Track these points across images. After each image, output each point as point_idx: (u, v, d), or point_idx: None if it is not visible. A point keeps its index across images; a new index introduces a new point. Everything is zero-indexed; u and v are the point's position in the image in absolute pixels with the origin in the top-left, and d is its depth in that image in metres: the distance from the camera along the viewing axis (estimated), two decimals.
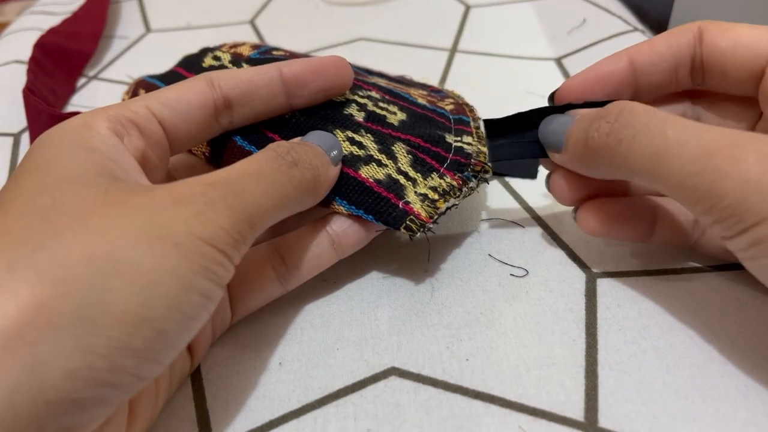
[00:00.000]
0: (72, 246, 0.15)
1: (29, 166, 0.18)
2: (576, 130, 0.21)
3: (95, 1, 0.50)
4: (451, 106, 0.29)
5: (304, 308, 0.24)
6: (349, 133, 0.24)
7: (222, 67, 0.28)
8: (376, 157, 0.24)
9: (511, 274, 0.25)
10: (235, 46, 0.31)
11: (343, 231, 0.23)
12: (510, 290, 0.24)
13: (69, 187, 0.16)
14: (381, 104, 0.26)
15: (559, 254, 0.26)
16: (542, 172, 0.26)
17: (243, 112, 0.23)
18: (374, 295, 0.24)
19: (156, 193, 0.17)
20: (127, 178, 0.18)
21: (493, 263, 0.25)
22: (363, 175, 0.23)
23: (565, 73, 0.39)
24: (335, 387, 0.21)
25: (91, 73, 0.44)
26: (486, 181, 0.25)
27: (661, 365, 0.21)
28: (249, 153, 0.24)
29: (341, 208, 0.23)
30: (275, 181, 0.19)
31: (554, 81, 0.38)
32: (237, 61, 0.28)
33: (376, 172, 0.23)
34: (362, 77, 0.29)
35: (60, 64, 0.42)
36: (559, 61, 0.40)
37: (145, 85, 0.30)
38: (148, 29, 0.50)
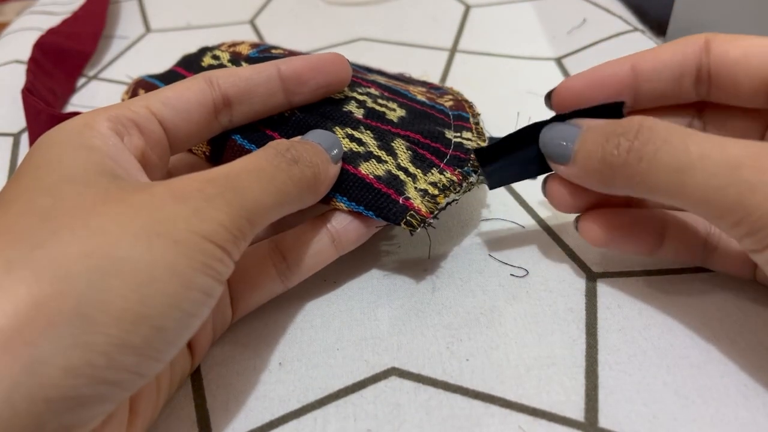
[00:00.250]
0: (70, 245, 0.15)
1: (30, 166, 0.18)
2: (588, 144, 0.20)
3: (95, 1, 0.50)
4: (450, 103, 0.29)
5: (304, 308, 0.24)
6: (349, 130, 0.24)
7: (221, 66, 0.28)
8: (375, 153, 0.24)
9: (511, 274, 0.25)
10: (234, 45, 0.31)
11: (343, 228, 0.23)
12: (510, 290, 0.24)
13: (69, 187, 0.16)
14: (380, 101, 0.26)
15: (560, 254, 0.25)
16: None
17: (242, 110, 0.23)
18: (374, 295, 0.24)
19: (155, 190, 0.17)
20: (128, 177, 0.18)
21: (493, 263, 0.25)
22: (363, 172, 0.23)
23: (566, 73, 0.39)
24: (335, 387, 0.21)
25: (91, 73, 0.44)
26: (486, 179, 0.25)
27: (661, 365, 0.21)
28: (249, 151, 0.24)
29: (341, 204, 0.23)
30: (275, 178, 0.19)
31: (554, 81, 0.37)
32: (236, 60, 0.28)
33: (376, 169, 0.23)
34: (361, 74, 0.29)
35: (60, 64, 0.42)
36: (559, 61, 0.40)
37: (144, 85, 0.30)
38: (148, 29, 0.50)
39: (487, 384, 0.20)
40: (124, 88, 0.34)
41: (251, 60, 0.28)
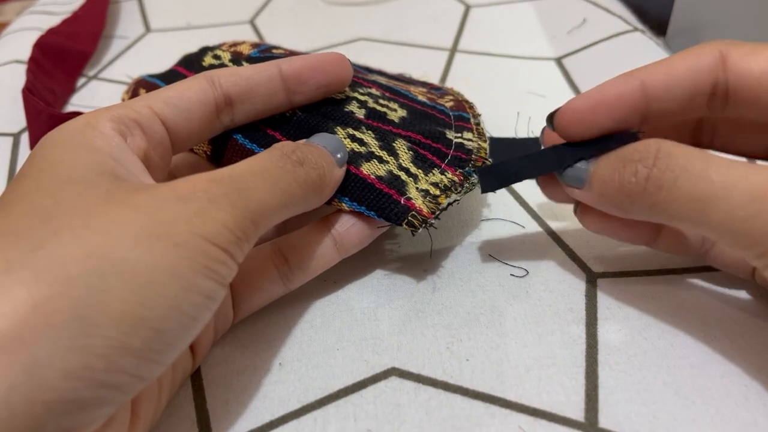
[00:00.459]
0: (70, 246, 0.15)
1: (32, 167, 0.18)
2: (604, 169, 0.20)
3: (95, 1, 0.50)
4: (450, 103, 0.29)
5: (304, 308, 0.24)
6: (350, 130, 0.24)
7: (222, 65, 0.28)
8: (377, 153, 0.24)
9: (512, 274, 0.25)
10: (235, 45, 0.31)
11: (345, 230, 0.23)
12: (510, 290, 0.24)
13: (70, 188, 0.16)
14: (381, 101, 0.26)
15: (560, 254, 0.26)
16: None
17: (243, 109, 0.23)
18: (374, 295, 0.24)
19: (157, 191, 0.17)
20: (130, 178, 0.18)
21: (493, 263, 0.25)
22: (364, 172, 0.23)
23: (565, 73, 0.39)
24: (335, 387, 0.21)
25: (91, 73, 0.44)
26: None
27: (661, 365, 0.21)
28: (250, 151, 0.24)
29: (343, 204, 0.23)
30: (280, 180, 0.19)
31: (554, 81, 0.38)
32: (237, 59, 0.28)
33: (377, 169, 0.23)
34: (362, 75, 0.29)
35: (59, 64, 0.42)
36: (559, 61, 0.40)
37: (145, 85, 0.30)
38: (148, 29, 0.50)
39: (487, 384, 0.20)
40: (124, 88, 0.34)
41: (252, 60, 0.28)
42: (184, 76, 0.24)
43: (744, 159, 0.22)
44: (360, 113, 0.25)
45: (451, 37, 0.45)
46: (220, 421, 0.20)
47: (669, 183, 0.18)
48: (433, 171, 0.24)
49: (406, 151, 0.24)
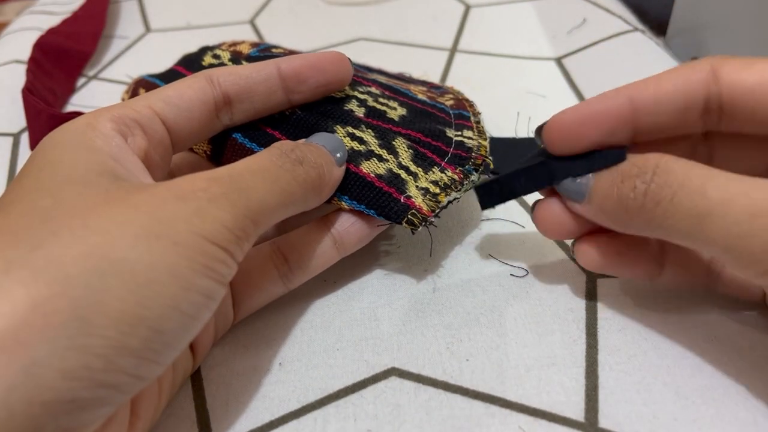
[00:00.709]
0: (69, 245, 0.15)
1: (32, 167, 0.18)
2: (604, 184, 0.19)
3: (95, 1, 0.50)
4: (451, 102, 0.29)
5: (304, 308, 0.24)
6: (350, 129, 0.24)
7: (221, 65, 0.28)
8: (377, 152, 0.24)
9: (512, 274, 0.25)
10: (235, 44, 0.31)
11: (345, 229, 0.23)
12: (510, 290, 0.24)
13: (70, 188, 0.16)
14: (381, 100, 0.26)
15: (560, 254, 0.25)
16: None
17: (243, 108, 0.23)
18: (374, 295, 0.24)
19: (157, 190, 0.17)
20: (130, 178, 0.18)
21: (493, 263, 0.25)
22: (364, 170, 0.23)
23: (565, 73, 0.39)
24: (335, 387, 0.21)
25: (91, 73, 0.44)
26: (488, 174, 0.25)
27: (661, 365, 0.21)
28: (250, 150, 0.24)
29: (342, 203, 0.23)
30: (280, 179, 0.19)
31: (554, 81, 0.38)
32: (236, 59, 0.28)
33: (377, 167, 0.23)
34: (362, 74, 0.29)
35: (59, 64, 0.42)
36: (559, 61, 0.40)
37: (145, 84, 0.30)
38: (147, 29, 0.50)
39: (487, 384, 0.20)
40: (124, 87, 0.34)
41: (252, 59, 0.28)
42: (184, 76, 0.24)
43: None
44: (360, 112, 0.25)
45: (451, 37, 0.45)
46: (220, 421, 0.20)
47: (667, 199, 0.17)
48: (433, 169, 0.24)
49: (406, 150, 0.24)
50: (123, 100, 0.30)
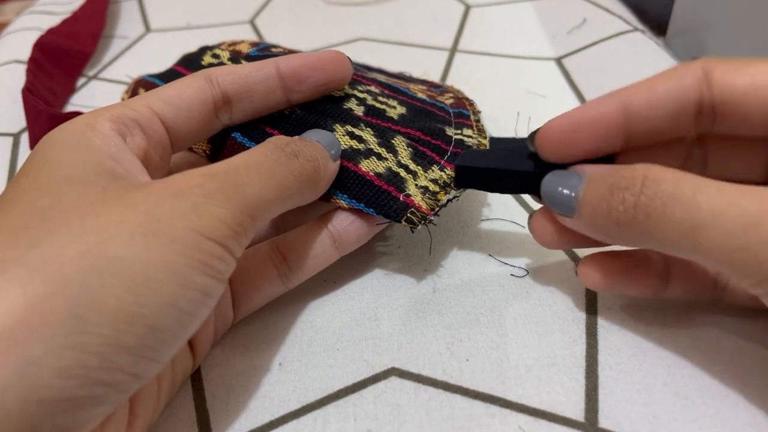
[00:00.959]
0: (66, 244, 0.15)
1: (31, 167, 0.18)
2: (592, 197, 0.19)
3: (95, 1, 0.50)
4: (450, 100, 0.29)
5: (304, 308, 0.24)
6: (349, 128, 0.24)
7: (221, 64, 0.28)
8: (376, 150, 0.24)
9: (512, 274, 0.25)
10: (234, 44, 0.31)
11: (344, 228, 0.23)
12: (510, 290, 0.24)
13: (68, 187, 0.16)
14: (380, 98, 0.26)
15: (560, 254, 0.25)
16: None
17: (242, 107, 0.23)
18: (374, 295, 0.24)
19: (153, 188, 0.17)
20: (129, 177, 0.18)
21: (493, 263, 0.25)
22: (363, 169, 0.23)
23: (566, 73, 0.39)
24: (335, 387, 0.21)
25: (91, 73, 0.44)
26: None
27: (661, 365, 0.21)
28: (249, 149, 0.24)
29: (341, 201, 0.23)
30: (275, 173, 0.19)
31: (554, 81, 0.38)
32: (236, 58, 0.28)
33: (376, 166, 0.23)
34: (361, 72, 0.29)
35: (59, 64, 0.42)
36: (559, 61, 0.40)
37: (144, 84, 0.30)
38: (147, 29, 0.50)
39: (487, 384, 0.20)
40: (124, 87, 0.34)
41: (251, 58, 0.28)
42: (184, 76, 0.24)
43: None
44: (359, 110, 0.25)
45: (451, 37, 0.45)
46: (220, 421, 0.20)
47: (658, 211, 0.17)
48: (433, 168, 0.24)
49: (405, 148, 0.24)
50: (123, 99, 0.30)
